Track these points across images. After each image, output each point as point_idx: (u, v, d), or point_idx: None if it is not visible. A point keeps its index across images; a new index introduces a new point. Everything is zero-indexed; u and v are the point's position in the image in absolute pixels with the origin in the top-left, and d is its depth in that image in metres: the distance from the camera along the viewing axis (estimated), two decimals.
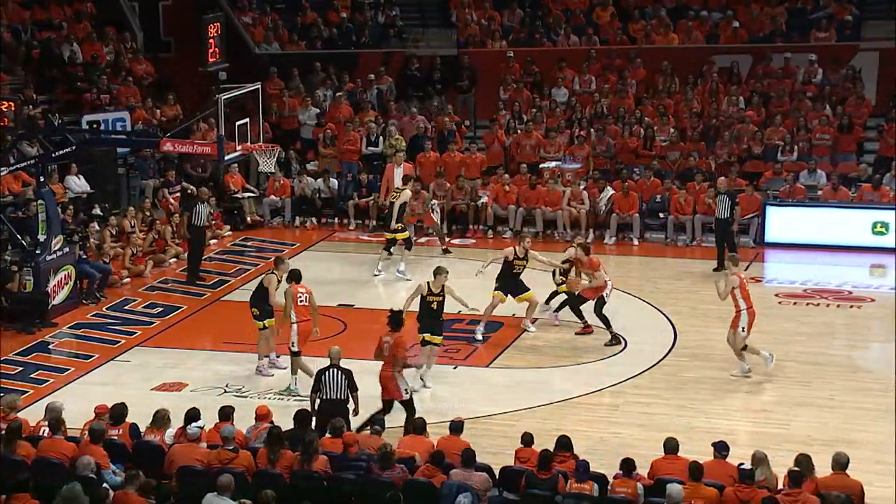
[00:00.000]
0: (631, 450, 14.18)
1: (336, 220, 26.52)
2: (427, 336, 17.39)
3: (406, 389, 15.46)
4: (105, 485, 12.02)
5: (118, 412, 13.73)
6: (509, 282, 19.28)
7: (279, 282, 17.92)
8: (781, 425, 16.18)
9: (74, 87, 26.99)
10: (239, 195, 26.33)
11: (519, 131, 27.05)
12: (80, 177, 24.39)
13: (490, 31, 30.17)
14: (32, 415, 14.72)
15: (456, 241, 25.24)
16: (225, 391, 17.41)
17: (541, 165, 26.25)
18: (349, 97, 28.63)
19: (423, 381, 17.28)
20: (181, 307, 21.29)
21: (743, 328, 17.40)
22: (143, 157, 26.11)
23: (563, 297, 19.79)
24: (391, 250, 22.56)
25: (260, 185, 27.04)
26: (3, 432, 13.15)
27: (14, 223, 21.81)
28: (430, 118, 28.05)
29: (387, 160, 26.05)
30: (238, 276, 22.91)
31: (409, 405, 15.43)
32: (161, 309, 21.17)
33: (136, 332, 20.14)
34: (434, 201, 24.36)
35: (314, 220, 26.33)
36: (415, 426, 14.01)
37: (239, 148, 20.71)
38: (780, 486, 12.51)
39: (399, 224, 22.42)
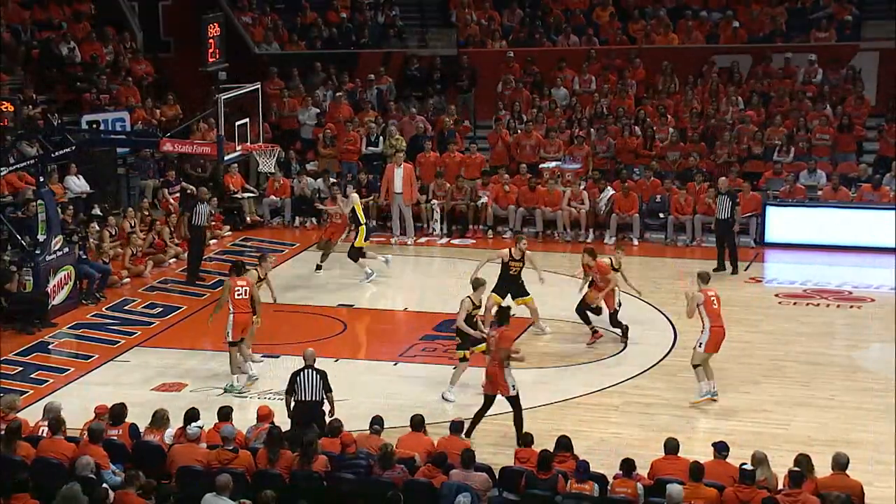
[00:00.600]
0: (631, 450, 14.18)
1: None
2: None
3: (514, 385, 15.34)
4: (104, 485, 12.01)
5: (118, 412, 13.72)
6: (506, 284, 19.07)
7: (260, 279, 18.24)
8: (781, 425, 16.16)
9: (74, 87, 27.01)
10: (239, 195, 26.33)
11: (519, 131, 27.05)
12: (80, 177, 24.38)
13: (490, 31, 30.18)
14: (32, 415, 14.71)
15: (456, 242, 25.28)
16: (224, 391, 17.40)
17: (541, 166, 26.24)
18: (349, 97, 28.63)
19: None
20: (181, 307, 21.28)
21: (701, 344, 16.69)
22: (142, 158, 26.11)
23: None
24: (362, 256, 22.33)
25: (260, 185, 27.03)
26: (3, 432, 13.14)
27: (14, 223, 21.80)
28: (430, 118, 28.05)
29: (387, 160, 26.07)
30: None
31: (515, 401, 15.31)
32: (161, 309, 21.17)
33: (135, 333, 20.13)
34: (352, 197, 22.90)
35: (314, 220, 26.31)
36: (413, 423, 13.97)
37: (239, 148, 20.72)
38: (781, 486, 12.50)
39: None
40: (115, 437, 13.41)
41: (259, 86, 21.69)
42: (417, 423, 13.91)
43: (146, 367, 18.52)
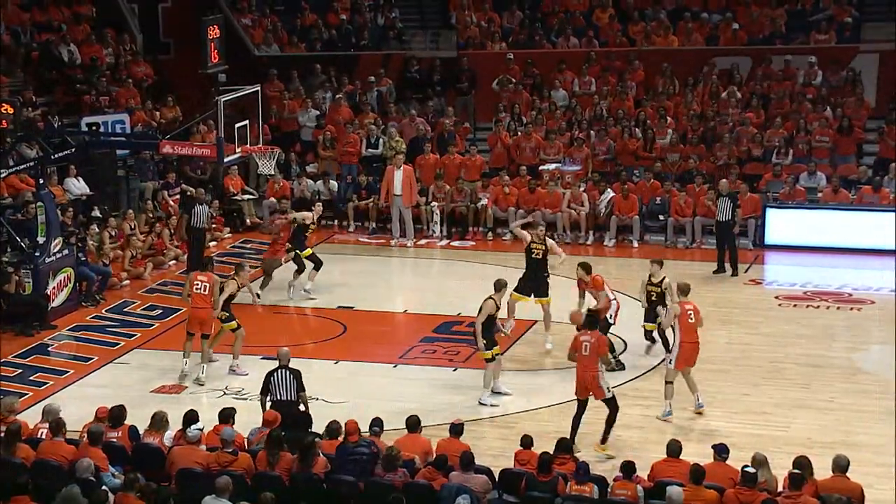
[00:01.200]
0: (631, 452, 14.18)
1: (335, 222, 26.52)
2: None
3: (609, 388, 15.34)
4: (104, 487, 12.00)
5: (117, 414, 13.70)
6: (530, 278, 18.79)
7: (239, 287, 18.43)
8: (781, 427, 16.15)
9: (74, 89, 26.99)
10: (238, 197, 26.32)
11: (519, 133, 27.04)
12: (80, 179, 24.35)
13: (490, 32, 30.18)
14: (31, 417, 14.68)
15: (456, 244, 25.28)
16: (224, 393, 17.40)
17: (541, 167, 26.24)
18: (349, 99, 28.63)
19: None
20: (181, 309, 21.21)
21: (671, 361, 16.39)
22: (142, 159, 26.09)
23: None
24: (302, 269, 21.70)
25: (259, 187, 27.02)
26: (3, 435, 13.13)
27: (13, 225, 21.79)
28: (430, 120, 28.04)
29: (386, 162, 26.07)
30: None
31: (612, 403, 15.29)
32: (160, 311, 21.15)
33: (135, 335, 20.13)
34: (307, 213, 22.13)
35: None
36: (408, 424, 13.93)
37: (238, 150, 20.71)
38: (781, 488, 12.49)
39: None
40: (115, 440, 13.38)
41: (259, 88, 21.68)
42: (413, 424, 13.88)
43: (146, 370, 18.51)
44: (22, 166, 21.82)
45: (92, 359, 19.04)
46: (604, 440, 15.26)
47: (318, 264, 21.51)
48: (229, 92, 20.93)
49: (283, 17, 31.17)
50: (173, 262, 23.66)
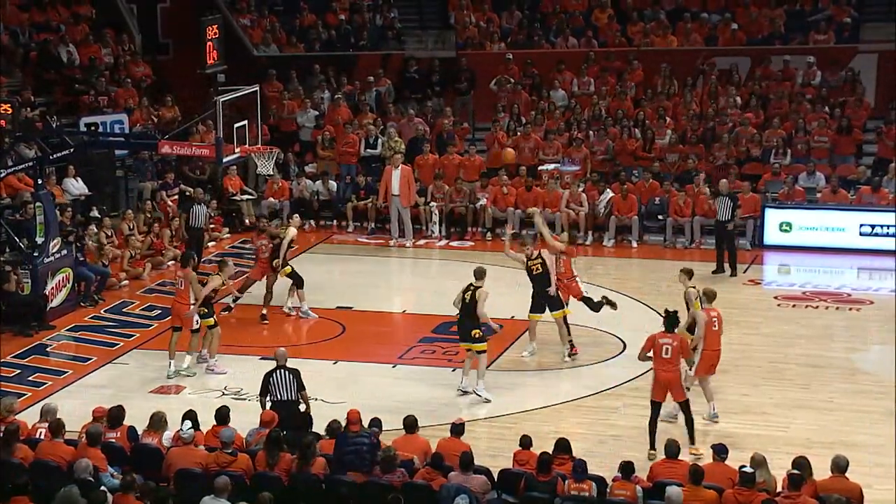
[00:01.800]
0: (630, 453, 14.17)
1: (334, 222, 26.53)
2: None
3: (688, 388, 15.42)
4: (103, 487, 11.99)
5: (116, 415, 13.69)
6: (538, 295, 18.49)
7: (224, 283, 18.56)
8: (780, 428, 16.14)
9: (72, 90, 26.97)
10: (237, 197, 26.31)
11: (518, 133, 27.03)
12: (79, 179, 24.36)
13: (489, 32, 30.18)
14: (30, 418, 14.67)
15: (454, 244, 25.28)
16: (223, 394, 17.38)
17: (539, 167, 26.23)
18: (348, 99, 28.62)
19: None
20: None
21: (690, 368, 15.99)
22: (141, 160, 26.10)
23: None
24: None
25: (258, 187, 27.02)
26: (1, 435, 13.12)
27: (12, 226, 21.78)
28: (429, 120, 28.03)
29: (385, 162, 26.06)
30: (236, 279, 22.81)
31: (686, 406, 15.36)
32: (159, 311, 21.10)
33: (134, 335, 20.11)
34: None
35: (312, 222, 26.32)
36: (406, 424, 13.90)
37: (237, 150, 20.69)
38: (780, 488, 12.48)
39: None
40: (114, 440, 13.38)
41: (258, 88, 21.66)
42: (410, 424, 13.86)
43: (144, 370, 18.50)
44: (20, 166, 21.81)
45: (91, 359, 19.02)
46: (693, 440, 15.20)
47: (299, 283, 20.73)
48: (228, 92, 20.92)
49: (281, 17, 31.16)
50: (172, 262, 23.58)
